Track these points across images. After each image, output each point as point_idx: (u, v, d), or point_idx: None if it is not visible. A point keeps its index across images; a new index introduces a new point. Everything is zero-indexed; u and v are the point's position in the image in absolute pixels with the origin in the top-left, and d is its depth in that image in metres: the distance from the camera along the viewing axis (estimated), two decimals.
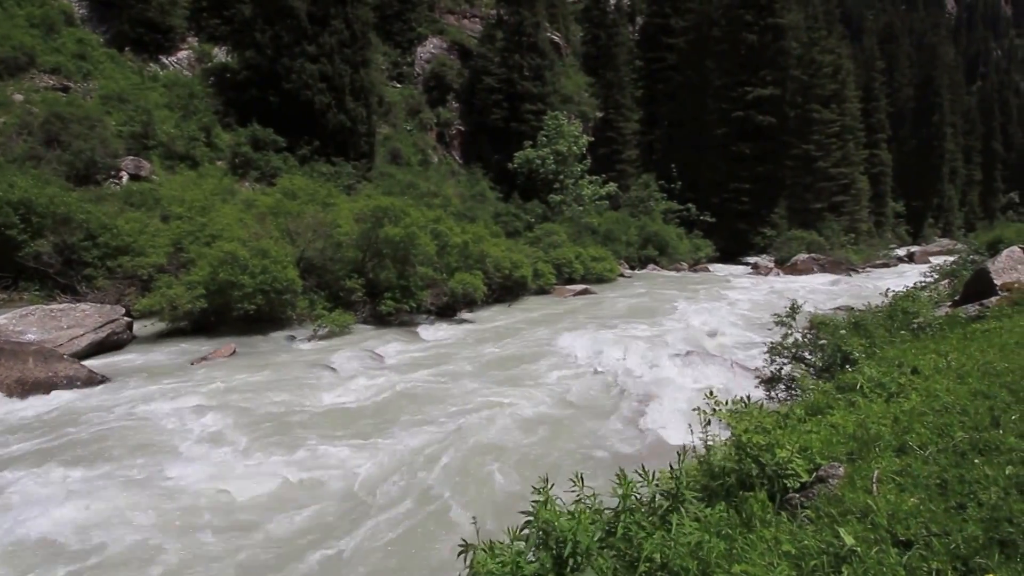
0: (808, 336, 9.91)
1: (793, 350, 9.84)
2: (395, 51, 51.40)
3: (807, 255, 48.27)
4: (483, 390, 12.02)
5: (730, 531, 3.65)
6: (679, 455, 4.46)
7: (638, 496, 3.97)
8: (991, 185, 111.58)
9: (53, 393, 11.40)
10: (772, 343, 10.23)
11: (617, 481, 3.96)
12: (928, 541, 3.09)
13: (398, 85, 50.75)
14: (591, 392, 12.48)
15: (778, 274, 43.52)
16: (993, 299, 10.97)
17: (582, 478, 4.11)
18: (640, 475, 4.09)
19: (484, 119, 51.57)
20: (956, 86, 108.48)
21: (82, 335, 14.46)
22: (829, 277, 40.41)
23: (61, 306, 15.46)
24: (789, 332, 10.12)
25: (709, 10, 65.44)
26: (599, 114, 62.06)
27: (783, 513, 3.85)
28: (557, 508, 3.77)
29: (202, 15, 39.01)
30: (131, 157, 27.67)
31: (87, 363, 13.15)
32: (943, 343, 8.03)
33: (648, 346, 16.08)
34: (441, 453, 8.91)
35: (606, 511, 3.93)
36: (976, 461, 3.91)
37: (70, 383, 11.82)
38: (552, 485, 3.92)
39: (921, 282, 19.64)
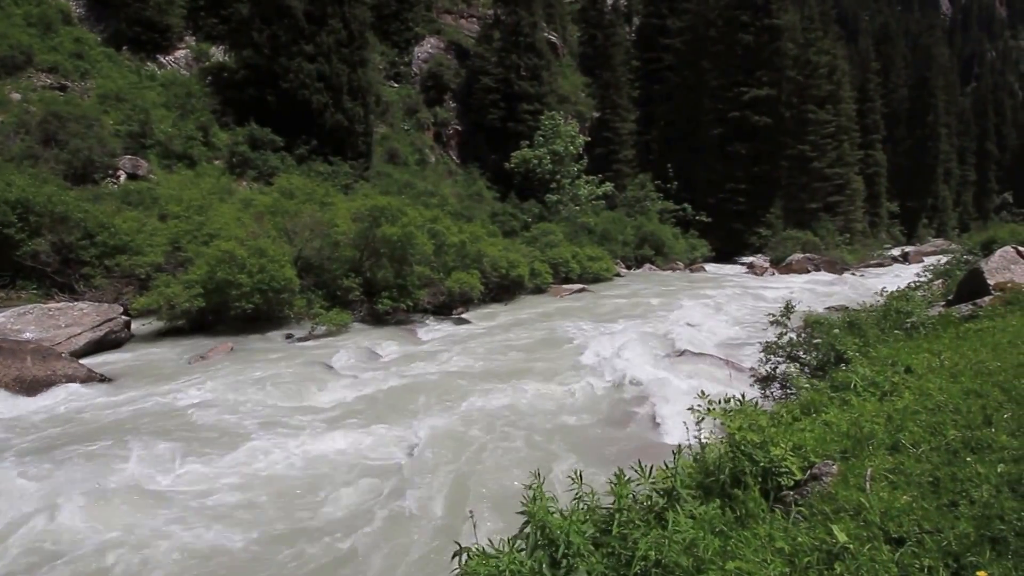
0: (802, 335, 9.94)
1: (787, 349, 9.87)
2: (392, 51, 51.37)
3: (802, 255, 48.37)
4: (479, 388, 12.03)
5: (724, 528, 3.68)
6: (674, 453, 4.49)
7: (634, 495, 4.00)
8: (985, 186, 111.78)
9: (52, 391, 11.41)
10: (767, 342, 10.26)
11: (614, 480, 4.01)
12: (920, 538, 3.10)
13: (395, 85, 50.74)
14: (587, 391, 12.50)
15: (773, 274, 43.54)
16: (986, 299, 11.02)
17: (580, 476, 4.15)
18: (636, 472, 4.13)
19: (481, 119, 51.59)
20: (951, 87, 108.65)
21: (80, 334, 14.48)
22: (823, 276, 40.43)
23: (59, 305, 15.48)
24: (784, 331, 10.15)
25: (705, 11, 65.46)
26: (596, 114, 62.09)
27: (777, 510, 3.86)
28: (549, 507, 3.80)
29: (199, 14, 38.99)
30: (129, 156, 27.66)
31: (85, 362, 13.16)
32: (936, 342, 8.06)
33: (644, 345, 16.09)
34: (437, 451, 8.94)
35: (601, 509, 3.97)
36: (968, 459, 3.92)
37: (68, 381, 11.82)
38: (543, 480, 3.97)
39: (915, 282, 19.68)
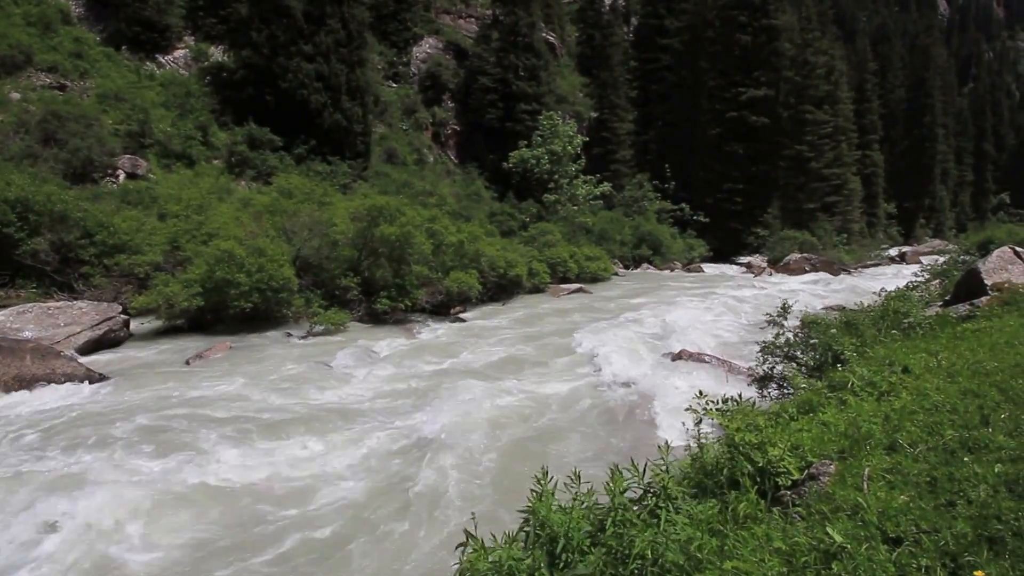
0: (799, 335, 9.97)
1: (785, 349, 9.90)
2: (391, 51, 51.37)
3: (799, 255, 48.33)
4: (476, 388, 12.04)
5: (721, 528, 3.70)
6: (659, 450, 4.51)
7: (629, 493, 4.02)
8: (982, 186, 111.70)
9: (51, 390, 11.42)
10: (764, 342, 10.29)
11: (610, 478, 4.03)
12: (918, 538, 3.12)
13: (394, 85, 50.73)
14: (585, 390, 12.52)
15: (771, 274, 43.53)
16: (983, 299, 11.05)
17: (579, 476, 4.18)
18: (630, 471, 4.15)
19: (479, 119, 51.58)
20: (948, 88, 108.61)
21: (79, 332, 14.50)
22: (821, 277, 40.42)
23: (58, 304, 15.51)
24: (781, 331, 10.17)
25: (703, 11, 65.38)
26: (594, 114, 62.08)
27: (774, 510, 3.88)
28: (552, 504, 3.83)
29: (198, 14, 39.03)
30: (128, 156, 27.67)
31: (84, 360, 13.18)
32: (934, 342, 8.08)
33: (641, 345, 16.12)
34: (436, 449, 8.97)
35: (598, 507, 3.99)
36: (966, 459, 3.95)
37: (68, 380, 11.83)
38: (551, 479, 3.99)
39: (912, 282, 19.70)
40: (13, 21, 30.38)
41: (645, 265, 46.24)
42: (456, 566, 3.64)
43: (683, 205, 56.84)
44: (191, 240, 19.59)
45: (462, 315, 22.15)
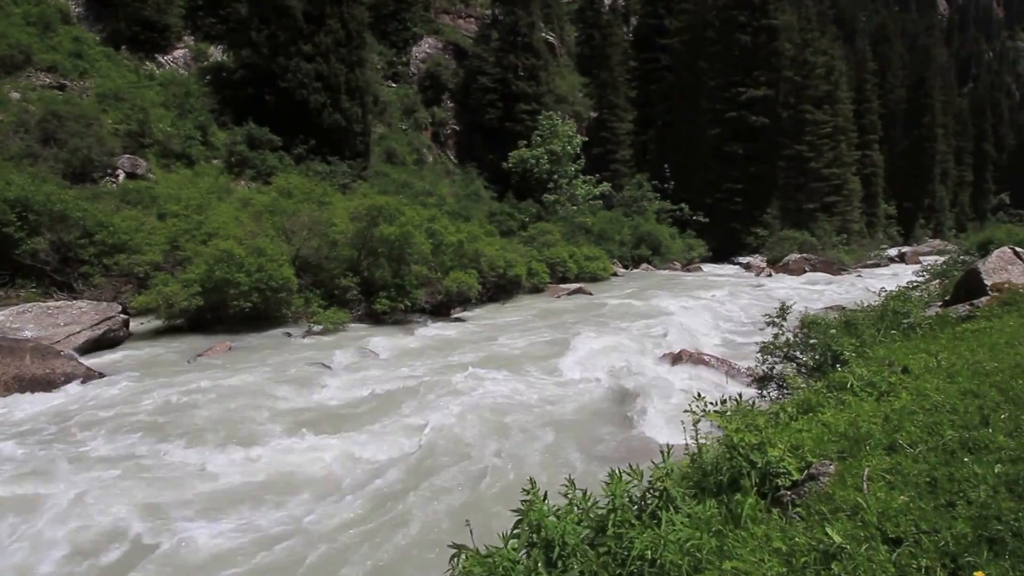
0: (799, 336, 9.96)
1: (784, 349, 9.90)
2: (390, 51, 51.42)
3: (799, 255, 48.34)
4: (476, 388, 12.04)
5: (721, 528, 3.70)
6: (662, 452, 4.51)
7: (628, 494, 4.02)
8: (982, 186, 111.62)
9: (50, 389, 11.43)
10: (763, 343, 10.29)
11: (608, 480, 4.03)
12: (917, 538, 3.11)
13: (393, 85, 50.76)
14: (583, 391, 12.51)
15: (770, 274, 43.57)
16: (983, 299, 11.03)
17: (573, 483, 4.17)
18: (629, 474, 4.15)
19: (479, 119, 51.67)
20: (948, 88, 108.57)
21: (79, 332, 14.50)
22: (820, 277, 40.42)
23: (58, 303, 15.52)
24: (780, 332, 10.17)
25: (703, 11, 65.37)
26: (593, 114, 62.14)
27: (774, 511, 3.87)
28: (545, 509, 3.82)
29: (198, 14, 39.06)
30: (127, 155, 27.69)
31: (84, 360, 13.17)
32: (933, 343, 8.06)
33: (640, 345, 16.13)
34: (435, 449, 8.97)
35: (598, 509, 3.98)
36: (966, 459, 3.93)
37: (67, 379, 11.85)
38: (539, 491, 3.99)
39: (912, 282, 19.70)
40: (13, 21, 30.40)
41: (644, 265, 46.25)
42: (448, 573, 3.63)
43: (682, 205, 56.82)
44: (190, 240, 19.61)
45: (461, 315, 22.16)
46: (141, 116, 29.51)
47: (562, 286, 30.58)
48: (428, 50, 54.44)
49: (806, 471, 4.27)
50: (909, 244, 77.93)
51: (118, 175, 26.74)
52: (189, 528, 6.92)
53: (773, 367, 9.78)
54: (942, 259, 25.21)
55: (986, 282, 11.92)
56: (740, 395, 5.73)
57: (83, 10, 35.17)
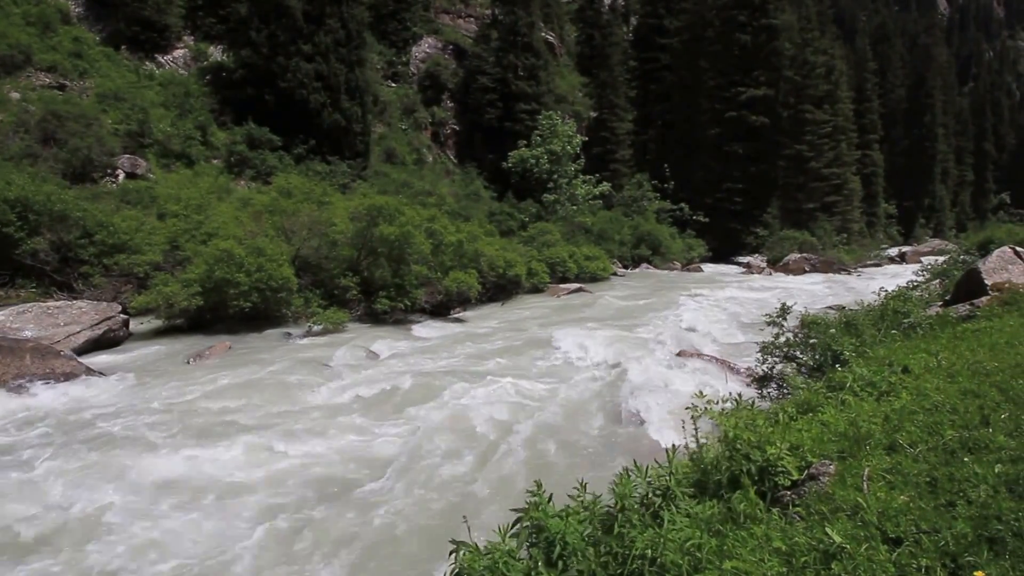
0: (799, 336, 9.96)
1: (784, 349, 9.90)
2: (390, 50, 51.44)
3: (799, 255, 48.39)
4: (475, 388, 12.03)
5: (721, 528, 3.70)
6: (668, 452, 4.50)
7: (632, 494, 4.02)
8: (982, 186, 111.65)
9: (50, 389, 11.42)
10: (764, 342, 10.29)
11: (615, 479, 4.03)
12: (918, 538, 3.11)
13: (393, 84, 50.77)
14: (583, 390, 12.50)
15: (770, 274, 43.62)
16: (984, 299, 11.03)
17: (584, 486, 4.17)
18: (633, 473, 4.15)
19: (479, 118, 51.69)
20: (948, 87, 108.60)
21: (79, 332, 14.50)
22: (820, 277, 40.45)
23: (58, 303, 15.51)
24: (780, 331, 10.16)
25: (703, 11, 65.37)
26: (593, 114, 62.15)
27: (774, 510, 3.88)
28: (549, 509, 3.82)
29: (198, 14, 39.05)
30: (127, 155, 27.71)
31: (84, 360, 13.16)
32: (934, 342, 8.06)
33: (640, 345, 16.12)
34: (435, 448, 8.97)
35: (602, 509, 3.98)
36: (966, 459, 3.94)
37: (67, 379, 11.82)
38: (544, 491, 3.99)
39: (912, 282, 19.70)
40: (13, 21, 30.39)
41: (644, 265, 46.25)
42: (452, 568, 3.63)
43: (682, 205, 56.85)
44: (190, 240, 19.62)
45: (461, 315, 22.14)
46: (141, 116, 29.53)
47: (562, 286, 30.56)
48: (428, 50, 54.45)
49: (806, 471, 4.27)
50: (909, 244, 77.95)
51: (118, 175, 26.75)
52: (189, 527, 6.92)
53: (773, 367, 9.79)
54: (942, 259, 25.20)
55: (986, 282, 11.93)
56: (740, 395, 5.74)
57: (83, 10, 35.17)
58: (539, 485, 4.06)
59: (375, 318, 20.29)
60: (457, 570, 3.60)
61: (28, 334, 13.58)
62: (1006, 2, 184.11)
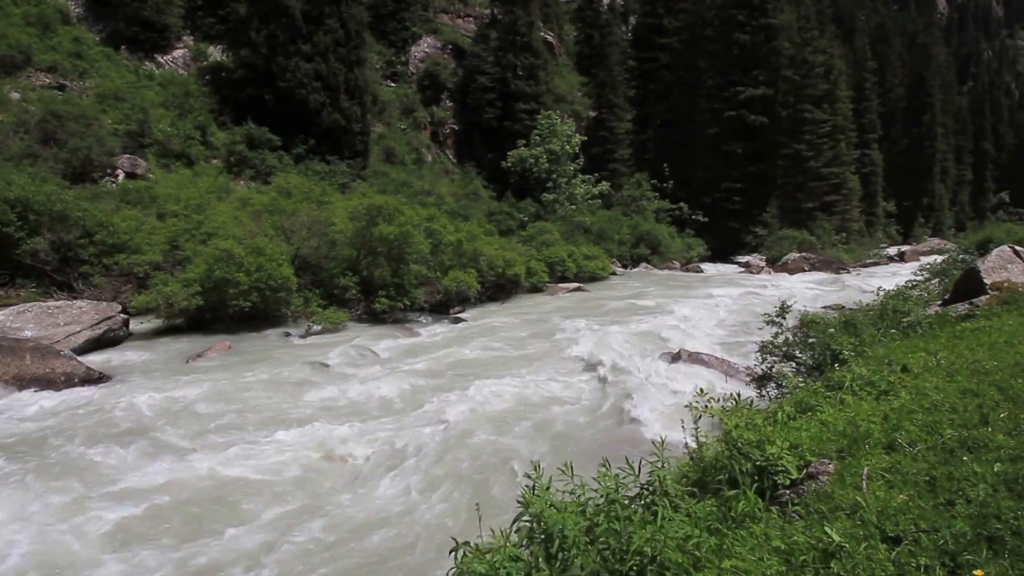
0: (798, 335, 9.96)
1: (783, 349, 9.90)
2: (389, 50, 51.42)
3: (798, 254, 48.30)
4: (475, 386, 12.04)
5: (720, 526, 3.71)
6: (653, 446, 4.51)
7: (623, 489, 4.02)
8: (981, 185, 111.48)
9: (50, 389, 11.43)
10: (763, 342, 10.29)
11: (599, 474, 4.04)
12: (917, 537, 3.12)
13: (392, 84, 50.76)
14: (582, 389, 12.52)
15: (769, 273, 43.56)
16: (983, 298, 11.03)
17: (572, 467, 4.18)
18: (624, 470, 4.16)
19: (478, 118, 51.67)
20: (947, 86, 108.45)
21: (79, 332, 14.51)
22: (820, 276, 40.40)
23: (58, 303, 15.52)
24: (780, 331, 10.16)
25: (702, 10, 65.25)
26: (592, 113, 62.09)
27: (773, 509, 3.89)
28: (547, 498, 3.83)
29: (197, 14, 39.05)
30: (127, 155, 27.71)
31: (84, 359, 13.17)
32: (933, 342, 8.07)
33: (639, 344, 16.14)
34: (434, 447, 8.97)
35: (593, 502, 3.99)
36: (965, 458, 3.95)
37: (67, 379, 11.85)
38: (542, 474, 4.00)
39: (911, 281, 19.69)
40: (12, 21, 30.40)
41: (644, 264, 46.19)
42: (452, 570, 3.64)
43: (681, 204, 56.75)
44: (190, 239, 19.63)
45: (461, 314, 22.15)
46: (141, 116, 29.54)
47: (561, 285, 30.57)
48: (427, 49, 54.43)
49: (805, 470, 4.28)
50: (908, 243, 77.89)
51: (118, 175, 26.76)
52: (182, 527, 6.94)
53: (772, 366, 9.78)
54: (941, 258, 25.18)
55: (985, 281, 11.92)
56: (739, 394, 5.75)
57: (83, 10, 35.16)
58: (536, 466, 4.07)
59: (374, 317, 20.31)
60: (457, 572, 3.60)
61: (28, 334, 13.59)
62: (1005, 1, 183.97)
